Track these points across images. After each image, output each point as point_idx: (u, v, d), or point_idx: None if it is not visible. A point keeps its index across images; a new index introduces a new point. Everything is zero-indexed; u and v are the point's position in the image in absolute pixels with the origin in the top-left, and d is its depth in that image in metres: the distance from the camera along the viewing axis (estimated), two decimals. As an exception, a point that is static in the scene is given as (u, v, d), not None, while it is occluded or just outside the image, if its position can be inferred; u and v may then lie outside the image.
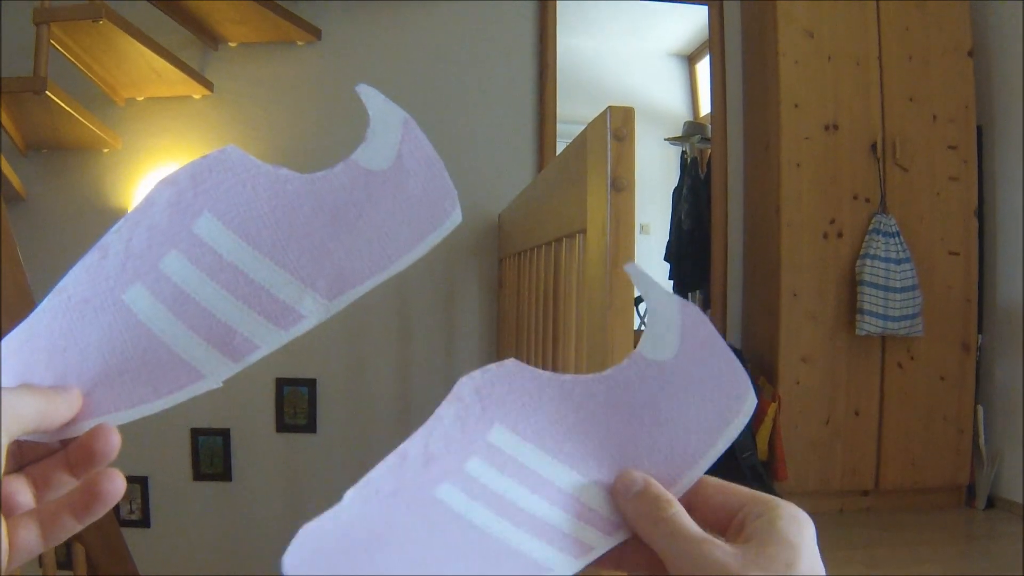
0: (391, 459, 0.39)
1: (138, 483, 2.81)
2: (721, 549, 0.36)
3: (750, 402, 0.41)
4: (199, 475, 2.84)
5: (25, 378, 0.40)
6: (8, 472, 0.39)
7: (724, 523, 0.40)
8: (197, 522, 2.86)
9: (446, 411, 0.40)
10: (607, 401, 0.41)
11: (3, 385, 0.39)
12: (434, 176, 0.43)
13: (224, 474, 2.84)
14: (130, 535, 2.74)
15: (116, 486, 0.38)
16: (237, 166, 0.43)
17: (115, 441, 0.39)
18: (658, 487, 0.39)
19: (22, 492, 0.39)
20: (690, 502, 0.40)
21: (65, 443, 0.41)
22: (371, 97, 0.43)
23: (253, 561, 2.83)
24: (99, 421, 0.40)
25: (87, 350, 0.41)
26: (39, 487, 0.40)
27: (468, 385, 0.41)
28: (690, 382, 0.41)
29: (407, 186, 0.42)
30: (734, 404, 0.41)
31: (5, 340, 0.40)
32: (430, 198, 0.42)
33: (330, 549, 0.36)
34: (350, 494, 0.38)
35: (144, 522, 2.82)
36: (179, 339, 0.41)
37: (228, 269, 0.42)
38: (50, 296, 0.41)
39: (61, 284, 0.41)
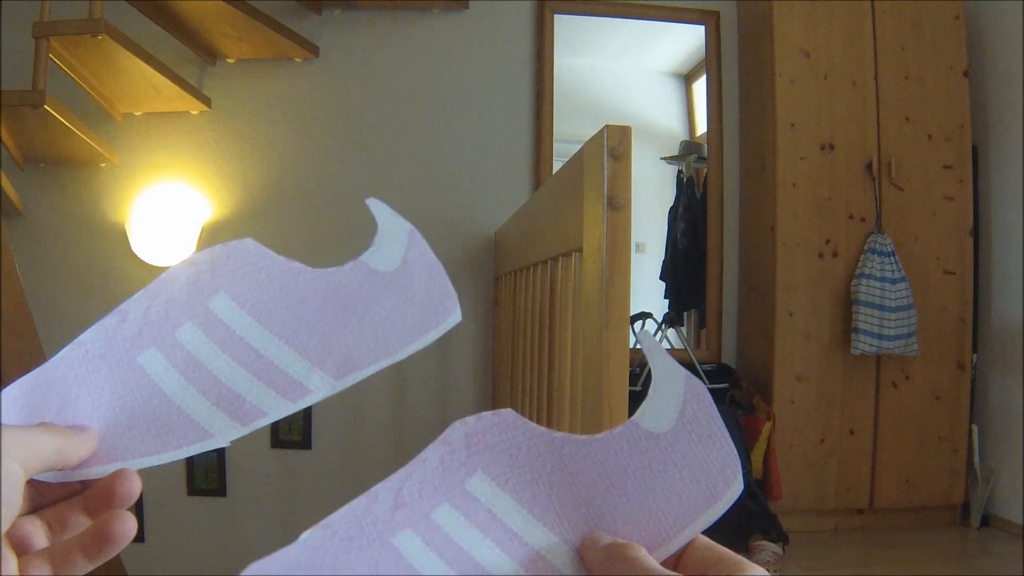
0: (359, 500, 0.40)
1: (132, 498, 2.80)
2: None
3: (737, 485, 0.41)
4: (193, 490, 2.83)
5: (38, 419, 0.41)
6: (24, 513, 0.40)
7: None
8: (191, 537, 2.85)
9: (431, 454, 0.41)
10: (596, 464, 0.42)
11: (14, 423, 0.40)
12: (436, 280, 0.46)
13: (219, 489, 2.83)
14: (125, 550, 2.72)
15: (128, 528, 0.39)
16: (253, 255, 0.47)
17: (136, 486, 0.41)
18: (624, 542, 0.40)
19: (36, 534, 0.40)
20: (677, 559, 0.41)
21: (85, 485, 0.42)
22: (379, 208, 0.47)
23: (246, 577, 2.81)
24: (108, 468, 0.41)
25: (99, 401, 0.43)
26: (54, 529, 0.41)
27: (459, 430, 0.42)
28: (682, 458, 0.42)
29: (411, 287, 0.46)
30: (721, 486, 0.41)
31: (18, 381, 0.42)
32: (432, 299, 0.46)
33: None
34: (306, 535, 0.38)
35: (138, 537, 2.79)
36: (189, 401, 0.43)
37: (240, 344, 0.44)
38: (68, 347, 0.43)
39: (79, 338, 0.44)
